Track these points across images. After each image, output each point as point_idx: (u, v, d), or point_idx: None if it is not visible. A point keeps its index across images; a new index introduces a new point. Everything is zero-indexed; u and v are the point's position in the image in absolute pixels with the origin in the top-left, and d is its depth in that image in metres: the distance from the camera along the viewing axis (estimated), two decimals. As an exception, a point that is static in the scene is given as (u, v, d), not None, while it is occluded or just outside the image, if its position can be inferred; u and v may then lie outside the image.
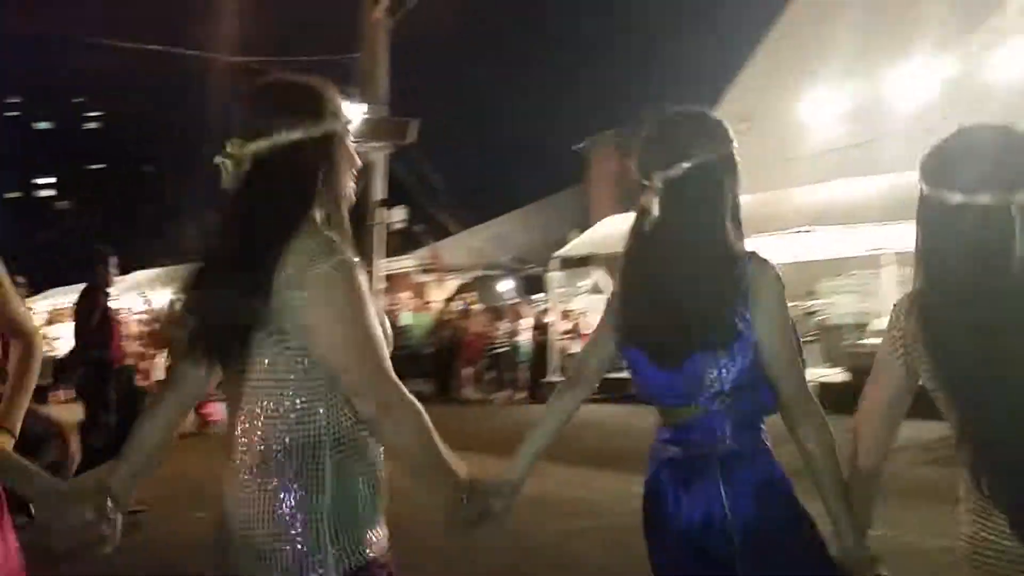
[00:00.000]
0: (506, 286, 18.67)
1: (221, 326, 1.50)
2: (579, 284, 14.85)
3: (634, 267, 1.80)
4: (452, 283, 17.33)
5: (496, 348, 13.75)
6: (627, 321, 1.80)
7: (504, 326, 14.00)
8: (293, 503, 1.47)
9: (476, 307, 14.68)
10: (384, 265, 12.23)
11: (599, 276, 13.67)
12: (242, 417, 1.53)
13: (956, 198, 1.53)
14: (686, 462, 1.74)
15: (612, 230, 13.16)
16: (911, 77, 11.77)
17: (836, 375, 9.43)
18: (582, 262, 14.02)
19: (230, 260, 1.50)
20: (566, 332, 12.71)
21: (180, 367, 1.66)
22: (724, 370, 1.68)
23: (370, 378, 1.47)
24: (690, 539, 1.71)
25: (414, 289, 16.76)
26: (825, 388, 7.99)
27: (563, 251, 13.56)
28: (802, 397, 1.71)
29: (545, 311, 13.80)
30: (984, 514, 1.53)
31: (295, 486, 1.47)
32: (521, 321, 13.95)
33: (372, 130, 11.59)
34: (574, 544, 4.58)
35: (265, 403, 1.51)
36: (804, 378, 1.74)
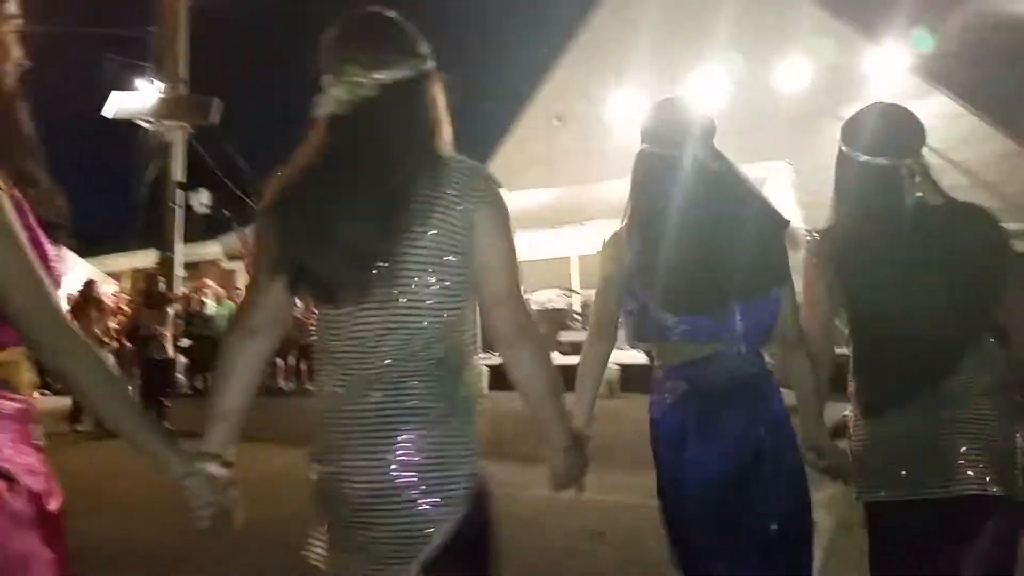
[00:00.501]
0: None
1: (358, 254, 1.49)
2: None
3: (659, 217, 1.99)
4: (262, 271, 16.58)
5: (314, 337, 13.23)
6: (661, 274, 1.98)
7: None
8: (433, 426, 1.50)
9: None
10: (186, 251, 11.48)
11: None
12: (352, 346, 1.54)
13: (862, 157, 1.99)
14: (710, 391, 1.98)
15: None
16: (707, 81, 12.68)
17: (638, 358, 9.92)
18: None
19: (370, 186, 1.50)
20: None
21: (263, 313, 1.62)
22: (762, 311, 1.98)
23: (514, 291, 1.56)
24: (724, 461, 1.94)
25: (220, 277, 15.89)
26: (626, 370, 8.39)
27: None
28: (798, 332, 2.04)
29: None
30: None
31: (430, 409, 1.51)
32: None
33: (170, 109, 10.85)
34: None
35: (392, 328, 1.51)
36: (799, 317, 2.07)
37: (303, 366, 12.43)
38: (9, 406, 1.33)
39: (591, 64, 14.49)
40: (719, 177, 2.01)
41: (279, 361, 12.61)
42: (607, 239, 2.12)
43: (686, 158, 1.99)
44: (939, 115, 12.08)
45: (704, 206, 1.97)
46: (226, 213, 14.32)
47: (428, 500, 1.50)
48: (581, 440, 1.75)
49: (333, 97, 1.55)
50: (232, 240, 16.67)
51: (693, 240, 1.96)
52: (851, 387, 2.06)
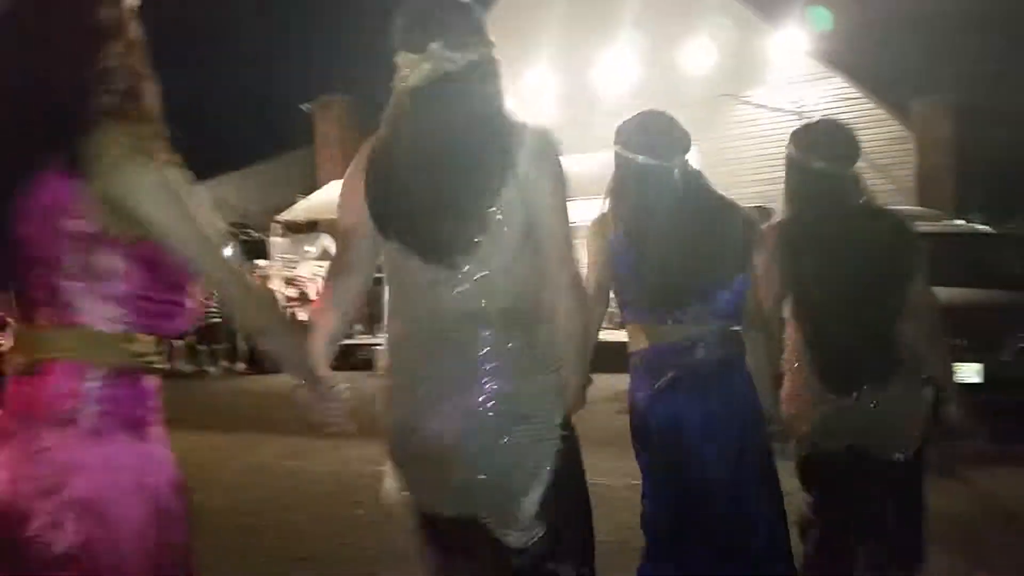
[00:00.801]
0: (224, 252, 17.40)
1: (462, 214, 1.62)
2: (305, 250, 14.40)
3: (655, 221, 2.23)
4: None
5: (212, 318, 12.94)
6: (650, 263, 2.21)
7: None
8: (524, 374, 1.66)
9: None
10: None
11: (326, 242, 13.35)
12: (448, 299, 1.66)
13: (816, 163, 2.32)
14: (696, 373, 2.20)
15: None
16: (617, 62, 12.85)
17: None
18: (308, 227, 13.60)
19: (466, 152, 1.66)
20: (291, 299, 12.25)
21: (355, 253, 1.77)
22: (736, 296, 2.22)
23: (570, 249, 1.72)
24: (704, 435, 2.17)
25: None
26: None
27: (287, 216, 13.02)
28: (759, 315, 2.31)
29: (267, 278, 13.18)
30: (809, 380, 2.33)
31: (517, 358, 1.66)
32: (242, 289, 13.23)
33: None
34: (292, 516, 4.48)
35: (463, 284, 1.65)
36: (761, 302, 2.33)
37: (200, 348, 12.14)
38: (153, 383, 1.54)
39: (502, 42, 14.42)
40: (697, 183, 2.29)
41: (176, 342, 12.22)
42: (591, 223, 2.35)
43: (675, 169, 2.24)
44: (835, 98, 12.61)
45: (686, 209, 2.23)
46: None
47: (515, 448, 1.64)
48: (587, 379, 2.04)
49: (419, 72, 1.67)
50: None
51: (675, 238, 2.20)
52: (790, 361, 2.40)
